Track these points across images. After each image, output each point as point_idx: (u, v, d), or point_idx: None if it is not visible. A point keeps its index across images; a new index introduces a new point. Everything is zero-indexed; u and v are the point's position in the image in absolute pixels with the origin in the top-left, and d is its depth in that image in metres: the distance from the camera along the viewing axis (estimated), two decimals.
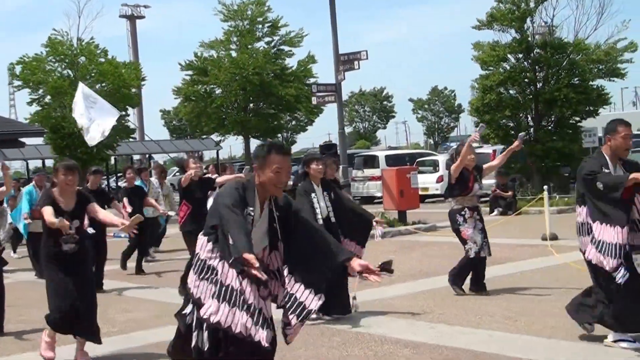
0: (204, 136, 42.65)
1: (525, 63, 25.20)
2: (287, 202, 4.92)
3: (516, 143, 9.77)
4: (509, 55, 25.32)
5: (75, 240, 6.97)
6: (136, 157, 45.64)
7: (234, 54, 32.71)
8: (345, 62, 19.53)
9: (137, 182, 14.63)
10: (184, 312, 4.84)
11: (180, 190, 10.86)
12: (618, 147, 6.63)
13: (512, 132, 25.10)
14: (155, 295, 10.99)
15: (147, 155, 45.08)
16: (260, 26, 32.77)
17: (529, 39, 25.20)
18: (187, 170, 10.62)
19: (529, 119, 25.52)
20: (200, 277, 4.74)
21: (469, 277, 9.71)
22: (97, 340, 7.12)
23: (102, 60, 29.34)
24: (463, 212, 9.49)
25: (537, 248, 13.54)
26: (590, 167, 6.59)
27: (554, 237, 14.42)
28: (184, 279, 10.37)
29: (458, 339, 7.27)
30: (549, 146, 24.19)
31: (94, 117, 15.71)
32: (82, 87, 16.40)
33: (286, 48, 33.32)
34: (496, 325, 7.95)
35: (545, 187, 16.37)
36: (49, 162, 39.54)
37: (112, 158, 39.05)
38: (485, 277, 9.73)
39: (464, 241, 9.48)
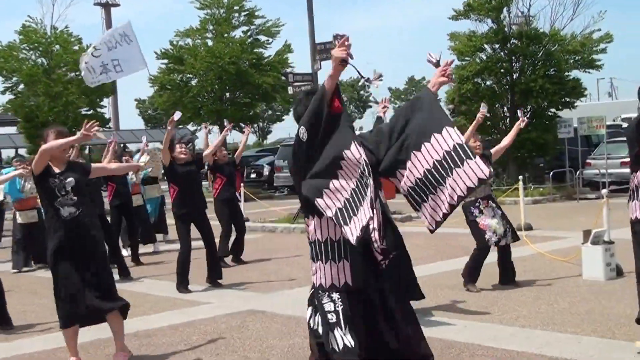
0: (180, 126, 42.36)
1: (502, 53, 25.22)
2: None
3: (522, 119, 10.07)
4: (485, 46, 25.31)
5: (74, 203, 6.47)
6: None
7: (210, 42, 32.43)
8: (322, 51, 19.47)
9: None
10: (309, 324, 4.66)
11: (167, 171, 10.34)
12: None
13: (489, 122, 25.12)
14: (131, 286, 10.87)
15: (122, 145, 44.79)
16: (236, 15, 32.50)
17: (506, 29, 25.20)
18: (172, 156, 10.26)
19: (505, 109, 25.54)
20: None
21: (497, 272, 9.52)
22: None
23: (77, 48, 28.96)
24: (477, 204, 9.25)
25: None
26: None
27: (528, 228, 14.56)
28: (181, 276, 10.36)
29: (432, 329, 7.28)
30: (524, 137, 24.13)
31: (115, 56, 15.17)
32: (129, 26, 15.86)
33: (263, 38, 33.07)
34: (470, 314, 8.00)
35: (520, 177, 16.45)
36: (22, 152, 39.13)
37: (87, 147, 38.74)
38: (513, 267, 9.56)
39: (480, 233, 9.17)
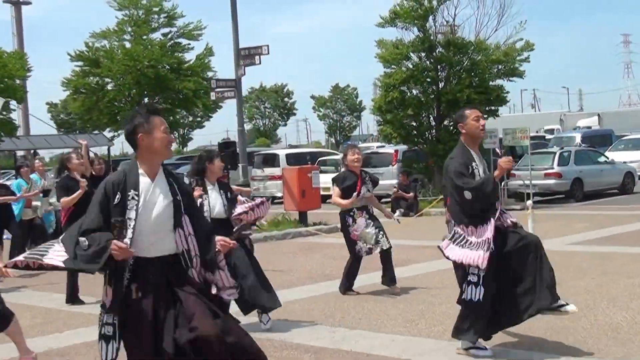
0: (95, 131, 40.97)
1: (428, 62, 25.01)
2: (180, 177, 4.83)
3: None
4: (411, 54, 25.09)
5: None
6: (20, 152, 43.42)
7: (128, 45, 31.39)
8: (246, 56, 18.72)
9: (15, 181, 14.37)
10: None
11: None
12: (472, 130, 6.65)
13: (415, 132, 24.91)
14: (36, 301, 10.37)
15: (32, 151, 43.06)
16: (156, 16, 31.55)
17: (432, 37, 25.04)
18: (69, 167, 9.90)
19: (431, 118, 25.34)
20: None
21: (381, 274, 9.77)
22: None
23: None
24: (352, 213, 9.54)
25: (438, 250, 13.25)
26: (456, 169, 6.49)
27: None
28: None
29: (359, 343, 7.25)
30: (450, 146, 23.93)
31: None
32: None
33: (184, 41, 32.18)
34: (398, 328, 7.82)
35: None
36: None
37: None
38: (394, 270, 9.74)
39: (352, 243, 9.58)
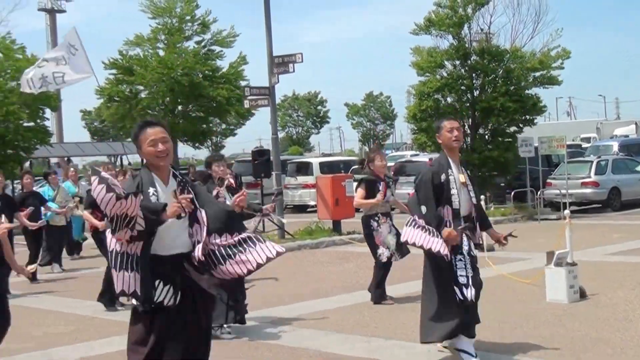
0: (129, 139, 41.16)
1: (463, 70, 24.81)
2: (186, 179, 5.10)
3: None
4: (446, 62, 24.91)
5: None
6: (54, 160, 43.86)
7: (161, 52, 31.46)
8: (280, 64, 18.61)
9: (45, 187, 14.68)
10: None
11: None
12: (446, 141, 6.95)
13: None
14: (71, 308, 10.35)
15: (65, 158, 43.43)
16: (189, 24, 31.59)
17: (467, 45, 24.84)
18: None
19: (466, 127, 25.09)
20: None
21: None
22: None
23: (20, 56, 27.76)
24: (377, 218, 9.64)
25: None
26: (425, 180, 6.85)
27: (490, 249, 14.05)
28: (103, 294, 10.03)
29: (396, 353, 7.19)
30: (485, 155, 23.81)
31: (64, 66, 15.57)
32: (74, 33, 16.12)
33: (217, 48, 32.18)
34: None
35: (482, 197, 16.03)
36: None
37: (28, 161, 37.25)
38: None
39: (375, 247, 9.64)
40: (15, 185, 28.28)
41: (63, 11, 65.89)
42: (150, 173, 4.90)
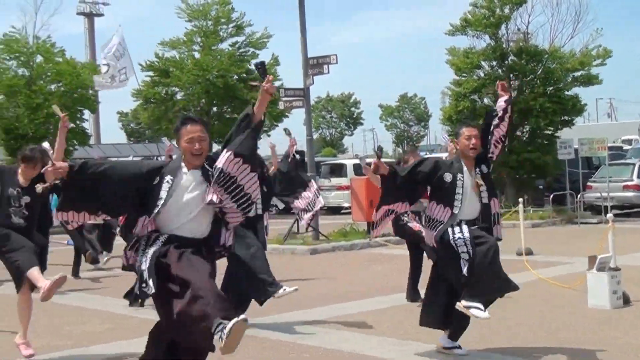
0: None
1: (500, 71, 24.56)
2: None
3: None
4: (482, 63, 24.67)
5: (24, 216, 7.48)
6: None
7: (197, 55, 31.57)
8: (314, 66, 18.52)
9: None
10: None
11: None
12: (462, 148, 6.97)
13: None
14: (111, 307, 10.32)
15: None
16: (224, 26, 31.66)
17: (504, 45, 24.58)
18: None
19: None
20: None
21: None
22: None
23: (59, 59, 28.07)
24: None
25: (511, 263, 13.05)
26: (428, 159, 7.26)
27: (529, 252, 14.00)
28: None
29: (431, 357, 7.09)
30: (523, 157, 23.55)
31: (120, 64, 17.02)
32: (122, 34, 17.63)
33: (251, 50, 32.22)
34: (472, 342, 7.45)
35: (520, 199, 15.83)
36: None
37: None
38: None
39: (415, 232, 9.48)
40: None
41: (101, 15, 66.66)
42: (180, 161, 5.27)
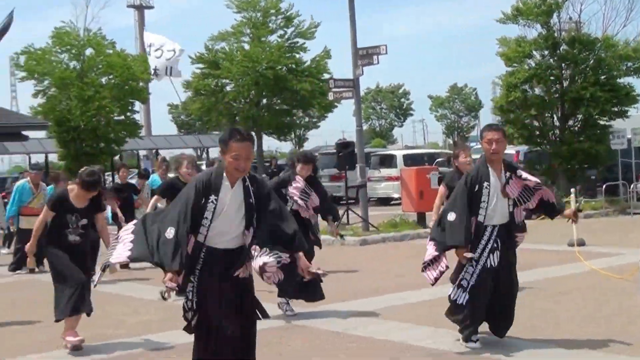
0: (215, 132, 41.68)
1: (552, 60, 24.24)
2: (262, 180, 5.50)
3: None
4: (534, 52, 24.37)
5: (80, 234, 7.64)
6: (142, 152, 44.76)
7: (246, 46, 31.75)
8: (364, 56, 18.47)
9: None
10: None
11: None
12: (485, 152, 6.89)
13: (537, 132, 24.20)
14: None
15: (154, 151, 44.20)
16: (273, 17, 31.78)
17: (555, 34, 24.25)
18: (180, 171, 10.22)
19: (555, 118, 24.54)
20: None
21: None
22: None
23: (110, 52, 28.46)
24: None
25: (563, 254, 13.14)
26: (459, 186, 7.00)
27: (581, 243, 13.83)
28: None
29: (482, 348, 6.99)
30: (575, 147, 23.23)
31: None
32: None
33: (300, 41, 32.28)
34: (518, 333, 7.37)
35: (572, 190, 15.64)
36: (52, 157, 38.61)
37: (119, 153, 38.29)
38: None
39: None
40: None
41: (151, 7, 67.32)
42: (222, 176, 5.24)
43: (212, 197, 5.14)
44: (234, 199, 5.22)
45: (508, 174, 6.89)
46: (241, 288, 5.30)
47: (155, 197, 10.37)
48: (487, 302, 6.93)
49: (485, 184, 6.75)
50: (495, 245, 6.84)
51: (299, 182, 9.10)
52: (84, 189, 7.64)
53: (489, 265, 6.83)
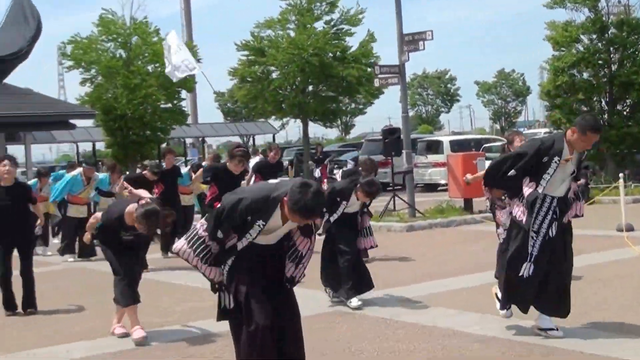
0: (261, 119, 41.86)
1: (600, 44, 23.93)
2: None
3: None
4: (582, 36, 24.08)
5: (133, 235, 7.72)
6: (189, 140, 45.14)
7: (292, 33, 31.81)
8: (410, 42, 18.42)
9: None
10: None
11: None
12: (576, 142, 6.77)
13: None
14: (207, 284, 10.49)
15: (200, 139, 44.58)
16: (318, 4, 31.76)
17: (604, 18, 23.92)
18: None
19: (603, 103, 24.24)
20: None
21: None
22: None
23: (156, 39, 28.70)
24: (503, 197, 9.00)
25: (612, 239, 12.95)
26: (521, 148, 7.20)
27: (630, 228, 13.67)
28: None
29: (530, 334, 6.99)
30: (624, 132, 22.94)
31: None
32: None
33: (345, 27, 32.23)
34: (569, 320, 7.24)
35: (620, 175, 15.46)
36: (100, 145, 39.14)
37: (165, 142, 38.78)
38: None
39: (496, 225, 9.19)
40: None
41: None
42: (275, 208, 5.14)
43: (260, 222, 5.16)
44: (280, 229, 5.32)
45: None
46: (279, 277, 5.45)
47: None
48: (543, 279, 6.89)
49: (556, 158, 6.74)
50: (554, 216, 6.85)
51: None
52: (147, 220, 7.45)
53: (548, 237, 6.82)
